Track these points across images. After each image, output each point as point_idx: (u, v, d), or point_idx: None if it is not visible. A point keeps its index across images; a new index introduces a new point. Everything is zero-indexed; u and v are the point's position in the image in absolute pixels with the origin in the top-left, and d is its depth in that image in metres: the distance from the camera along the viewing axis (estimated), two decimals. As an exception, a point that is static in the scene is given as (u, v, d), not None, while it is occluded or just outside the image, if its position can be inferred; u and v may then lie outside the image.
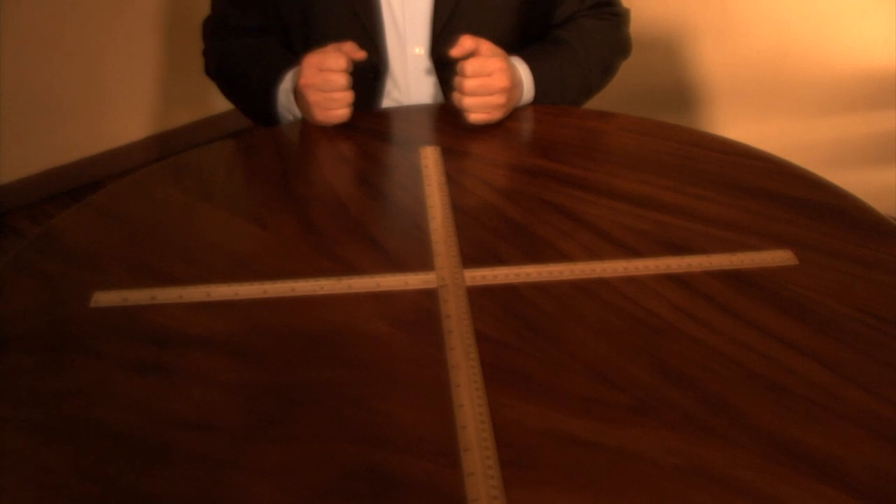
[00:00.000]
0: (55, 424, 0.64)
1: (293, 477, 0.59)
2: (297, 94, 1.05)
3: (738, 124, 2.16)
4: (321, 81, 1.02)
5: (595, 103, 1.21)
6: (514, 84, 1.06)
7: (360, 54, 1.04)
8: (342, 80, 1.02)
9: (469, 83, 1.01)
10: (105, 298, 0.77)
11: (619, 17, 1.23)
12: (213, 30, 1.22)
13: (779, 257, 0.81)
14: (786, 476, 0.58)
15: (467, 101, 1.03)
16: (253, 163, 1.04)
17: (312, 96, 1.03)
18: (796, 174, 0.96)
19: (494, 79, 1.02)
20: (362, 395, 0.66)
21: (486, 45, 1.03)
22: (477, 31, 1.07)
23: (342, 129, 1.07)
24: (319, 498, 0.57)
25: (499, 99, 1.03)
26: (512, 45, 1.12)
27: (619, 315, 0.74)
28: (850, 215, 0.88)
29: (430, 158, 1.00)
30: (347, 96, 1.03)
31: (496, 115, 1.06)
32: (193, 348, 0.71)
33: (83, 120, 2.41)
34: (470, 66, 1.01)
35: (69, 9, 2.26)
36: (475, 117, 1.04)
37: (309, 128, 1.08)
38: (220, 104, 2.64)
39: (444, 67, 1.12)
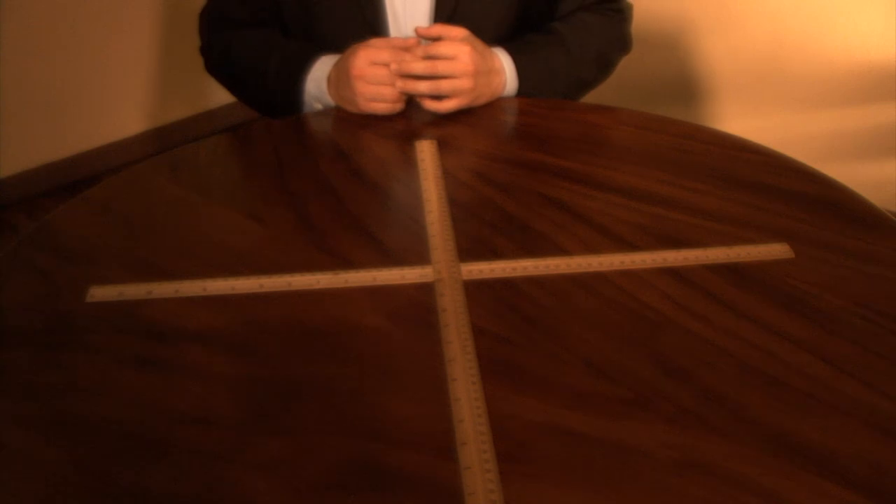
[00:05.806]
0: (53, 420, 0.64)
1: (290, 471, 0.59)
2: (335, 82, 1.06)
3: (735, 118, 2.16)
4: (371, 75, 1.03)
5: (593, 97, 1.21)
6: (491, 70, 1.06)
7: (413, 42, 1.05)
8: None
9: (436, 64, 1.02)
10: (101, 293, 0.77)
11: (621, 14, 1.22)
12: (212, 23, 1.22)
13: (775, 251, 0.81)
14: (783, 470, 0.58)
15: (445, 85, 1.03)
16: (249, 157, 1.04)
17: (363, 88, 1.03)
18: (793, 168, 0.96)
19: (459, 61, 1.03)
20: (359, 389, 0.66)
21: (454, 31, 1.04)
22: (477, 27, 1.06)
23: (339, 123, 1.06)
24: (316, 492, 0.57)
25: (465, 83, 1.03)
26: (513, 41, 1.11)
27: (616, 309, 0.74)
28: (847, 209, 0.88)
29: (426, 152, 1.00)
30: (395, 92, 1.04)
31: (463, 99, 1.05)
32: (190, 343, 0.71)
33: (80, 114, 2.40)
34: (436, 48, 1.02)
35: (67, 4, 2.26)
36: (440, 105, 1.05)
37: (305, 122, 1.08)
38: (216, 98, 2.64)
39: None
